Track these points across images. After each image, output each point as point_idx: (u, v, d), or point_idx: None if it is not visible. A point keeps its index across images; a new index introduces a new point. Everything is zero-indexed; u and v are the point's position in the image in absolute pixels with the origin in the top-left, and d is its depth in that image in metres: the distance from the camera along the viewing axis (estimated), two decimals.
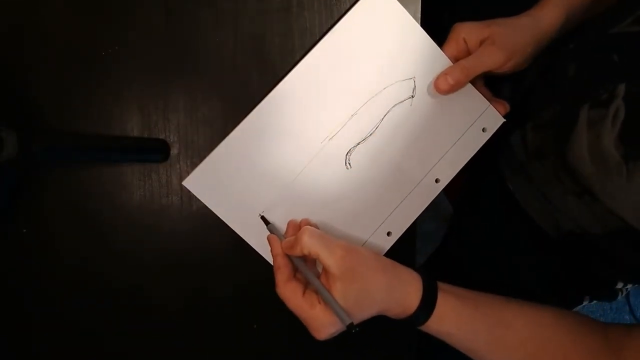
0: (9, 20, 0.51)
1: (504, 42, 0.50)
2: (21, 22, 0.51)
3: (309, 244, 0.45)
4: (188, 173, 0.51)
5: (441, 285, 0.48)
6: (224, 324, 0.56)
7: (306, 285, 0.47)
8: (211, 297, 0.55)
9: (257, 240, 0.52)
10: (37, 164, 0.51)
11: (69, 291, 0.53)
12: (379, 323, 0.58)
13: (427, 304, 0.46)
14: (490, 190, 0.69)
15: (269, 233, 0.51)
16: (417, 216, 0.55)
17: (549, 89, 0.54)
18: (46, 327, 0.54)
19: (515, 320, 0.48)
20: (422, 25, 0.53)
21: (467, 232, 0.72)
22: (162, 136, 0.52)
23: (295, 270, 0.48)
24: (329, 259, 0.44)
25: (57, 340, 0.54)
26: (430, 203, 0.55)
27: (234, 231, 0.52)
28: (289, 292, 0.45)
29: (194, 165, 0.52)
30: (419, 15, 0.53)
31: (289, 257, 0.48)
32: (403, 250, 0.55)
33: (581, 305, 0.67)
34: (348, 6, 0.52)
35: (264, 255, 0.52)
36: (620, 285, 0.64)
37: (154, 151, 0.52)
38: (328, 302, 0.43)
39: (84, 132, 0.52)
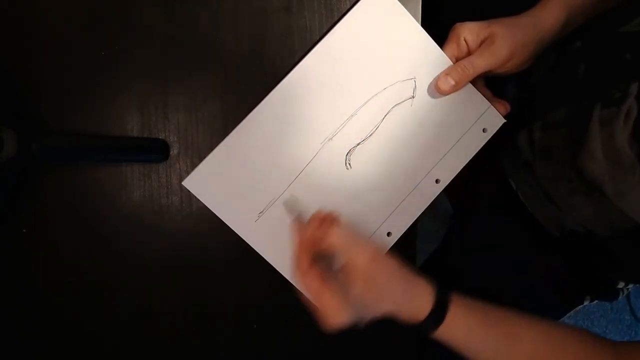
0: (9, 20, 0.51)
1: (505, 41, 0.50)
2: (20, 22, 0.51)
3: (339, 240, 0.45)
4: (188, 173, 0.51)
5: (454, 296, 0.49)
6: (224, 324, 0.56)
7: (324, 275, 0.47)
8: (211, 297, 0.55)
9: (257, 240, 0.52)
10: (37, 164, 0.51)
11: (68, 291, 0.53)
12: (378, 324, 0.58)
13: (438, 314, 0.47)
14: (491, 190, 0.68)
15: (268, 232, 0.51)
16: (417, 216, 0.55)
17: (558, 88, 0.54)
18: (46, 327, 0.54)
19: (524, 333, 0.48)
20: (422, 25, 0.53)
21: (467, 232, 0.72)
22: (162, 136, 0.52)
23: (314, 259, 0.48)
24: (357, 258, 0.45)
25: (56, 340, 0.54)
26: (430, 203, 0.55)
27: (233, 231, 0.52)
28: (310, 279, 0.46)
29: (193, 165, 0.52)
30: (419, 15, 0.53)
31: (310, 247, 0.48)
32: (403, 250, 0.54)
33: (582, 305, 0.67)
34: (348, 6, 0.52)
35: (263, 255, 0.52)
36: (621, 285, 0.64)
37: (154, 151, 0.52)
38: (346, 295, 0.44)
39: (84, 132, 0.52)
